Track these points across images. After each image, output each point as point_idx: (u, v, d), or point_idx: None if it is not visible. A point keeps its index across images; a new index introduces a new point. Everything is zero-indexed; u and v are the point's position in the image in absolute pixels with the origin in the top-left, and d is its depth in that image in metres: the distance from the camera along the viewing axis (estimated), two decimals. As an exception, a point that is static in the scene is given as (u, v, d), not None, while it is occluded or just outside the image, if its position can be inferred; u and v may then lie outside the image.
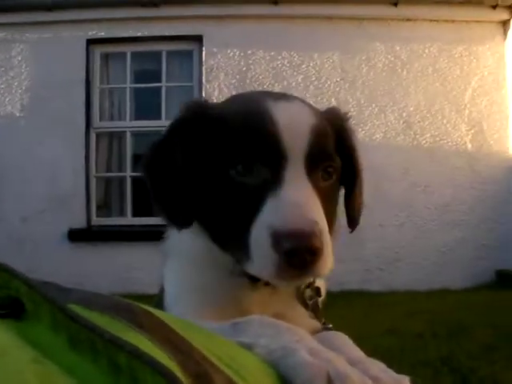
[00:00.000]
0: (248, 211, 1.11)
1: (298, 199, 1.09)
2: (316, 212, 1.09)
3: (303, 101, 1.32)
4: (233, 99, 1.36)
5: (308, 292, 1.35)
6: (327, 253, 1.07)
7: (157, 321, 0.73)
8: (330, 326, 1.35)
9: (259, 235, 1.08)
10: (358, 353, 1.01)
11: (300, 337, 0.90)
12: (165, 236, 1.41)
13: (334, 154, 1.26)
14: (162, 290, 1.39)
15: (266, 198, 1.10)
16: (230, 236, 1.18)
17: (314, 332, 1.19)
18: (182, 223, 1.25)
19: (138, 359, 0.58)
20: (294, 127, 1.17)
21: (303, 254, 1.02)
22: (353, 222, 1.40)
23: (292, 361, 0.79)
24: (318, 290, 1.38)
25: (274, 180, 1.12)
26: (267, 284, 1.25)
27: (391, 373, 0.90)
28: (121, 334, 0.63)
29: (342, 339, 1.09)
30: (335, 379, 0.76)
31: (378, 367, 0.91)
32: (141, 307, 0.76)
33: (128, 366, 0.59)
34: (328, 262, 1.09)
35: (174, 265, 1.37)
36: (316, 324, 1.31)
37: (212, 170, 1.19)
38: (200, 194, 1.22)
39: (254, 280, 1.24)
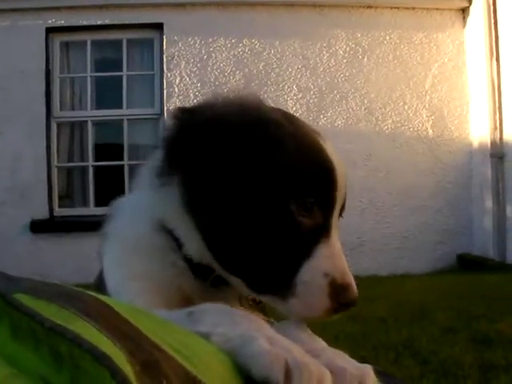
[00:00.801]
0: (297, 250, 1.10)
1: (340, 251, 1.13)
2: None
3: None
4: (290, 123, 1.21)
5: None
6: None
7: (106, 308, 0.72)
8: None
9: (315, 280, 1.09)
10: (319, 343, 1.00)
11: (258, 325, 0.89)
12: (107, 217, 1.37)
13: None
14: (100, 273, 1.35)
15: (318, 242, 1.11)
16: (264, 268, 1.13)
17: None
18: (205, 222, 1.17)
19: (79, 347, 0.57)
20: (344, 178, 1.18)
21: (351, 306, 1.10)
22: None
23: (250, 349, 0.78)
24: None
25: (324, 225, 1.13)
26: (214, 285, 1.23)
27: (355, 363, 0.90)
28: (67, 322, 0.61)
29: (302, 329, 1.07)
30: (293, 368, 0.75)
31: (341, 357, 0.91)
32: (91, 295, 0.75)
33: (69, 354, 0.58)
34: None
35: (117, 248, 1.32)
36: (263, 317, 1.28)
37: (265, 195, 1.11)
38: (236, 208, 1.13)
39: (197, 275, 1.23)
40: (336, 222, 1.16)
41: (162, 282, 1.23)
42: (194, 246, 1.19)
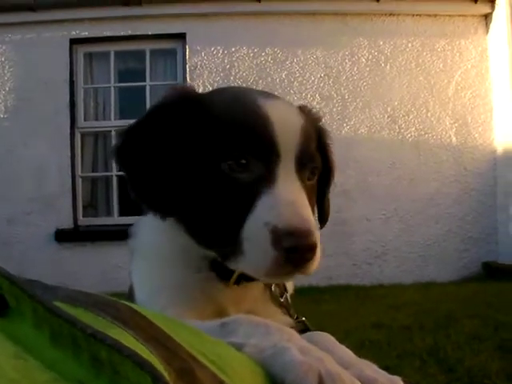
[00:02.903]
0: (240, 207, 1.10)
1: (291, 197, 1.09)
2: (308, 210, 1.10)
3: (286, 100, 1.32)
4: (221, 92, 1.32)
5: (277, 290, 1.36)
6: (319, 250, 1.09)
7: (141, 318, 0.73)
8: (303, 319, 1.35)
9: (256, 232, 1.07)
10: (348, 354, 1.00)
11: (290, 336, 0.89)
12: (131, 232, 1.40)
13: (317, 154, 1.27)
14: (130, 289, 1.38)
15: (260, 194, 1.10)
16: (217, 231, 1.15)
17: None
18: (164, 211, 1.22)
19: (119, 353, 0.58)
20: (288, 126, 1.17)
21: (304, 251, 1.04)
22: (324, 220, 1.43)
23: (283, 359, 0.79)
24: (284, 286, 1.39)
25: (267, 176, 1.12)
26: (237, 283, 1.25)
27: (385, 374, 0.90)
28: (104, 330, 0.62)
29: (331, 340, 1.07)
30: (326, 378, 0.75)
31: (371, 368, 0.91)
32: (126, 305, 0.76)
33: (109, 360, 0.58)
34: (318, 259, 1.10)
35: (143, 262, 1.35)
36: (289, 320, 1.31)
37: (200, 161, 1.16)
38: (182, 184, 1.18)
39: (222, 277, 1.25)
40: (290, 173, 1.15)
41: (191, 290, 1.24)
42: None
